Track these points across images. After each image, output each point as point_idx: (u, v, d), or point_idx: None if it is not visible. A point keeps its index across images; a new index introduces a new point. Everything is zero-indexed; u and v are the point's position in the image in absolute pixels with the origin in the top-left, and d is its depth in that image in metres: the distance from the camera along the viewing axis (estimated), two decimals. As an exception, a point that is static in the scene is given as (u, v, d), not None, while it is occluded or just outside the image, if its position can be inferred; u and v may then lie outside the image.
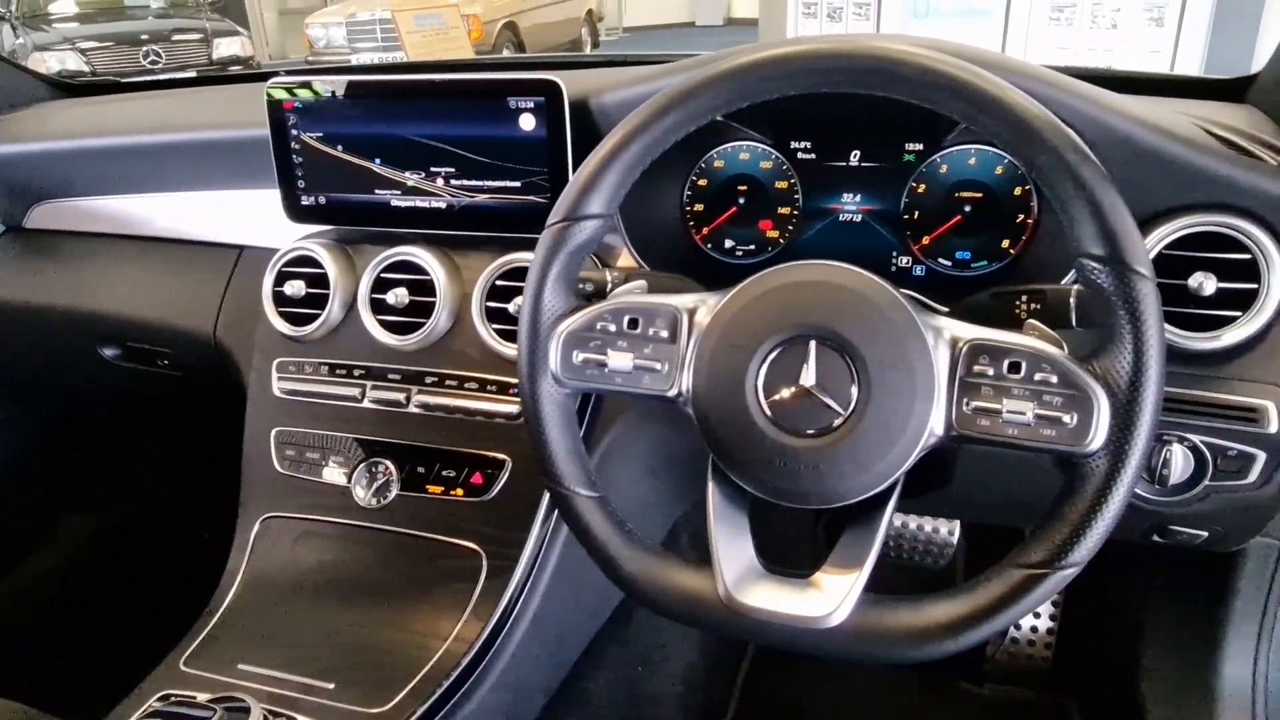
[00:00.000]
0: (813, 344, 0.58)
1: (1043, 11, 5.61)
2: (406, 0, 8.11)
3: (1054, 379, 0.55)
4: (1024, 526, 1.22)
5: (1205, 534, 0.77)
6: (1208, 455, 0.70)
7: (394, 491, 0.83)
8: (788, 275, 0.61)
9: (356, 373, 0.87)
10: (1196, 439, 0.70)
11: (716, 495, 0.63)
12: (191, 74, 7.63)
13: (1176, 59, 4.70)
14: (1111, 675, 1.07)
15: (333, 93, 0.86)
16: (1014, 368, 0.56)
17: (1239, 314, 0.68)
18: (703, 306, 0.63)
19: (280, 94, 0.87)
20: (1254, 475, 0.69)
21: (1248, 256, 0.68)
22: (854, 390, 0.57)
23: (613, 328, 0.63)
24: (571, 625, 0.91)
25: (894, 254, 0.83)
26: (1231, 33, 4.45)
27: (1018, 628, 1.24)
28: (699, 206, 0.88)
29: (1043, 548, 0.56)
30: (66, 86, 1.26)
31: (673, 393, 0.62)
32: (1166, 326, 0.69)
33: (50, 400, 1.29)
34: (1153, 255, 0.69)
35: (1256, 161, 0.69)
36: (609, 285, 0.72)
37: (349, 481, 0.85)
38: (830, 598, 0.59)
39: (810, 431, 0.58)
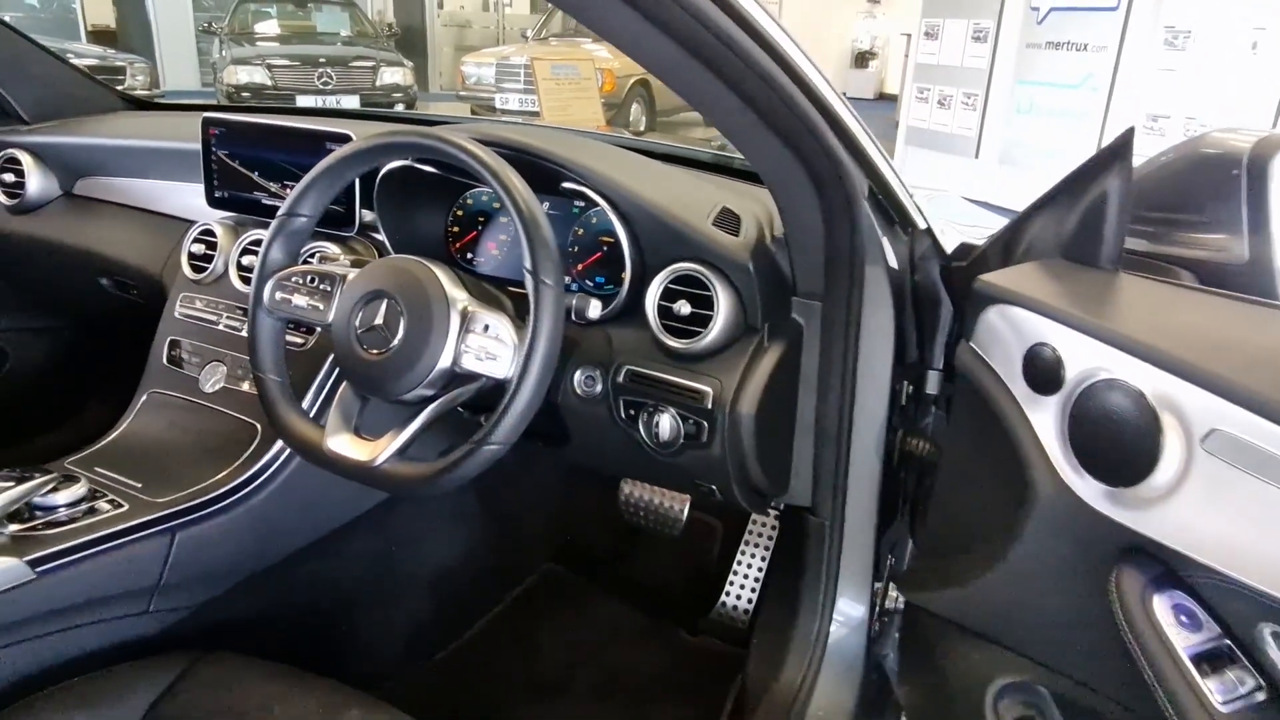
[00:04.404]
0: (385, 299, 0.98)
1: (1140, 121, 5.70)
2: (551, 50, 8.92)
3: (499, 335, 0.93)
4: (624, 478, 1.54)
5: (714, 486, 1.10)
6: (680, 423, 1.04)
7: (222, 384, 1.28)
8: (387, 261, 1.02)
9: (220, 307, 1.33)
10: (674, 410, 1.05)
11: (344, 389, 1.04)
12: (355, 97, 8.68)
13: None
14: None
15: (235, 127, 1.34)
16: (485, 329, 0.95)
17: (702, 329, 1.03)
18: (353, 273, 1.04)
19: (210, 123, 1.36)
20: (705, 438, 1.03)
21: (709, 293, 1.03)
22: (402, 327, 0.97)
23: (302, 281, 1.05)
24: (329, 498, 1.31)
25: (576, 286, 1.21)
26: None
27: (723, 606, 1.57)
28: (456, 229, 1.29)
29: (483, 433, 0.93)
30: (134, 101, 1.83)
31: (326, 322, 1.03)
32: (665, 335, 1.05)
33: (74, 315, 1.84)
34: (660, 289, 1.05)
35: (728, 233, 1.04)
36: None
37: (198, 374, 1.30)
38: (376, 451, 0.97)
39: (376, 351, 0.98)
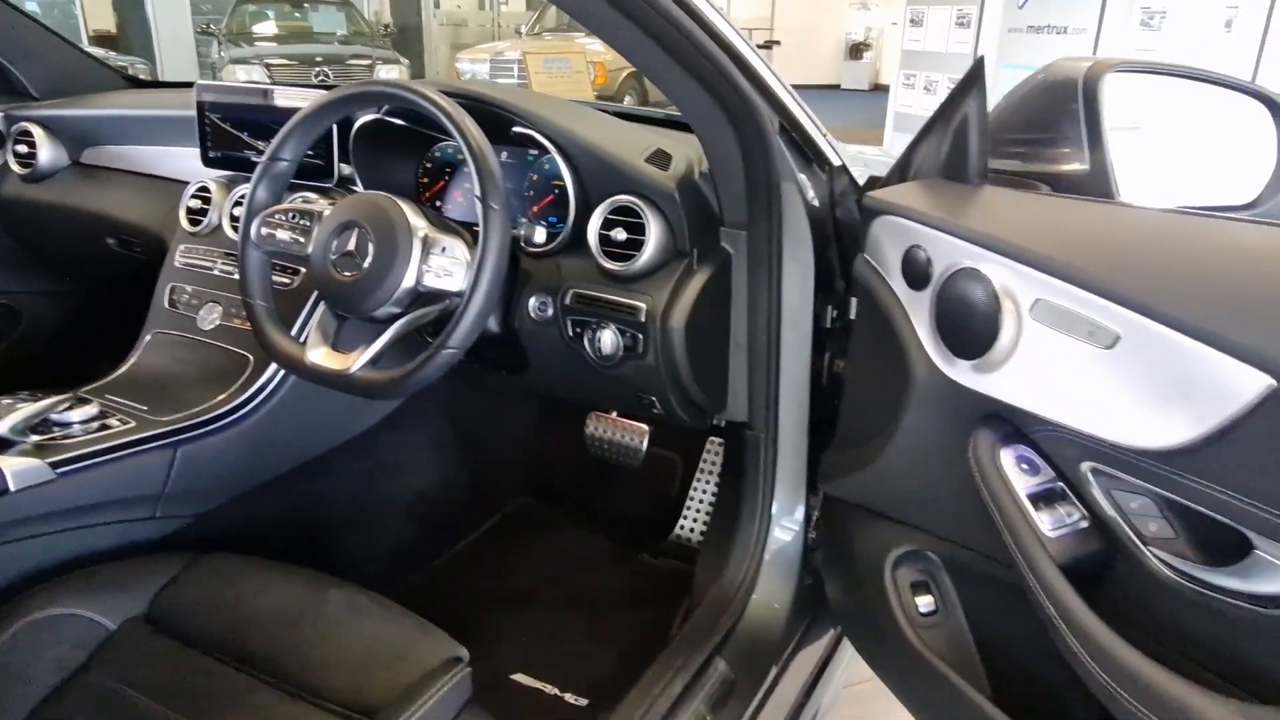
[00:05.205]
0: (356, 229, 1.12)
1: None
2: (545, 45, 9.06)
3: (455, 255, 1.07)
4: (590, 400, 1.67)
5: (654, 397, 1.24)
6: (620, 337, 1.18)
7: (218, 322, 1.43)
8: (358, 196, 1.16)
9: (215, 254, 1.47)
10: (614, 326, 1.18)
11: (322, 311, 1.18)
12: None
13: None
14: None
15: (225, 92, 1.48)
16: (442, 250, 1.09)
17: (636, 253, 1.17)
18: (329, 210, 1.18)
19: (203, 89, 1.50)
20: (640, 349, 1.17)
21: (642, 220, 1.17)
22: (371, 252, 1.11)
23: (285, 218, 1.19)
24: (317, 422, 1.45)
25: (520, 217, 1.36)
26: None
27: (681, 528, 1.71)
28: (426, 179, 1.43)
29: (441, 338, 1.06)
30: (135, 80, 1.98)
31: (305, 254, 1.17)
32: (605, 260, 1.19)
33: (83, 277, 1.99)
34: (600, 220, 1.19)
35: (658, 170, 1.18)
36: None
37: (196, 314, 1.44)
38: (350, 362, 1.11)
39: (349, 274, 1.12)
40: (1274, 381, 0.64)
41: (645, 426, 1.69)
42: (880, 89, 14.97)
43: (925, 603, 1.08)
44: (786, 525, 1.35)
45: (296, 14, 10.20)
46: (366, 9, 11.93)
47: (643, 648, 1.23)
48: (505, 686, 1.41)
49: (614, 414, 1.77)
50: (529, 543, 1.77)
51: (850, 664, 1.55)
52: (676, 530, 1.71)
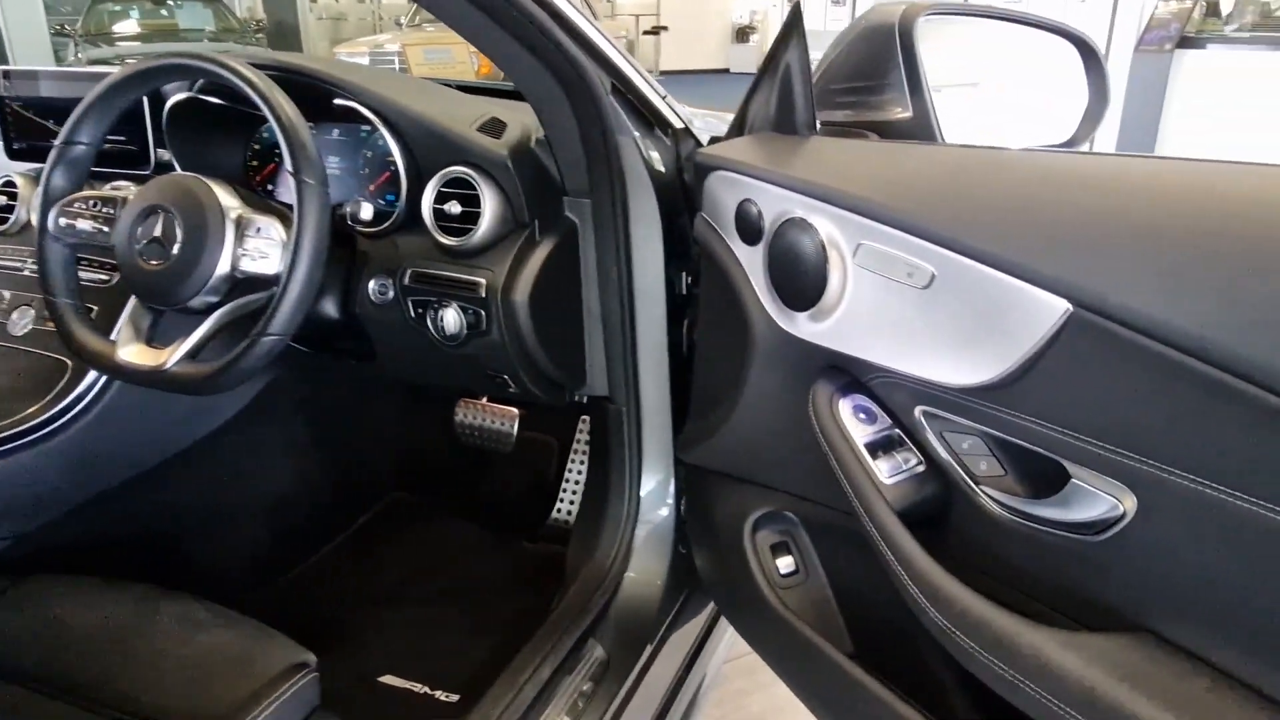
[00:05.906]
0: (162, 213, 1.04)
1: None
2: (426, 36, 8.83)
3: (270, 236, 1.00)
4: (446, 384, 1.63)
5: (505, 375, 1.20)
6: (462, 315, 1.13)
7: (31, 326, 1.31)
8: (163, 178, 1.07)
9: (25, 254, 1.35)
10: (457, 304, 1.13)
11: (134, 304, 1.09)
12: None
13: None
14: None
15: (28, 77, 1.36)
16: (258, 231, 1.01)
17: (473, 226, 1.12)
18: (133, 194, 1.09)
19: (1, 75, 1.38)
20: (484, 326, 1.12)
21: (475, 192, 1.12)
22: (179, 237, 1.03)
23: (87, 206, 1.09)
24: (152, 428, 1.35)
25: (358, 196, 1.29)
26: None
27: (558, 511, 1.67)
28: (255, 163, 1.35)
29: (260, 326, 0.99)
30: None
31: (110, 244, 1.08)
32: (441, 235, 1.13)
33: None
34: (434, 193, 1.14)
35: (490, 138, 1.13)
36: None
37: (7, 319, 1.33)
38: (165, 356, 1.03)
39: (156, 262, 1.04)
40: (1071, 305, 0.63)
41: (516, 410, 1.64)
42: (769, 71, 15.16)
43: (785, 563, 1.06)
44: (658, 499, 1.32)
45: (162, 11, 9.70)
46: (238, 5, 11.44)
47: (518, 636, 1.19)
48: (372, 689, 1.35)
49: (484, 400, 1.71)
50: (402, 538, 1.70)
51: (735, 636, 1.54)
52: (553, 513, 1.67)
